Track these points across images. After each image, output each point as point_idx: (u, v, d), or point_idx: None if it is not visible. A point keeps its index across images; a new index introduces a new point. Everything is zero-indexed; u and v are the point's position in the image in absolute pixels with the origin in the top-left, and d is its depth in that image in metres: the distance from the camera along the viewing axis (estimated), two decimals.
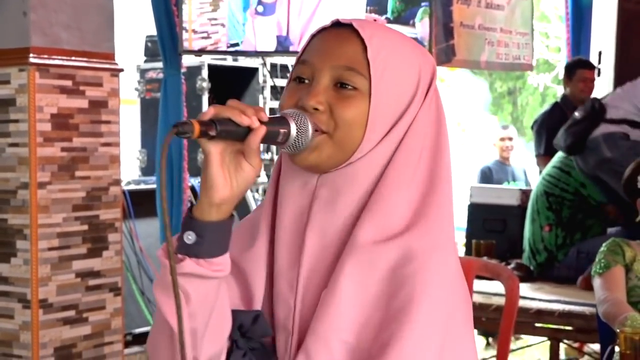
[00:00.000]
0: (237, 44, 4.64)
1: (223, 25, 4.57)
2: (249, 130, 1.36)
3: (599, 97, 5.14)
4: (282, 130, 1.41)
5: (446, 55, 5.90)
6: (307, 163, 1.47)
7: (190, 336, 1.43)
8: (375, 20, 1.46)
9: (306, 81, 1.50)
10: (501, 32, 6.41)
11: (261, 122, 1.37)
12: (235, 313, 1.50)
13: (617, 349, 2.93)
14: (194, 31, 4.51)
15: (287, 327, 1.50)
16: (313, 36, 1.54)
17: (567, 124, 5.02)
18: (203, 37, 4.55)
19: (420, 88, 1.51)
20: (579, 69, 6.43)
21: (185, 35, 4.50)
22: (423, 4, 5.21)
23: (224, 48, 4.60)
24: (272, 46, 4.72)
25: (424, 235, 1.46)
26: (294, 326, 1.49)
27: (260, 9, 4.65)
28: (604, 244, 3.58)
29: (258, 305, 1.54)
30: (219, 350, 1.49)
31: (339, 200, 1.48)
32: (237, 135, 1.36)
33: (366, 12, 4.99)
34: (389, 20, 5.07)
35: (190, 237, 1.39)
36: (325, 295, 1.44)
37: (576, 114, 5.02)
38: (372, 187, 1.48)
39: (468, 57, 6.18)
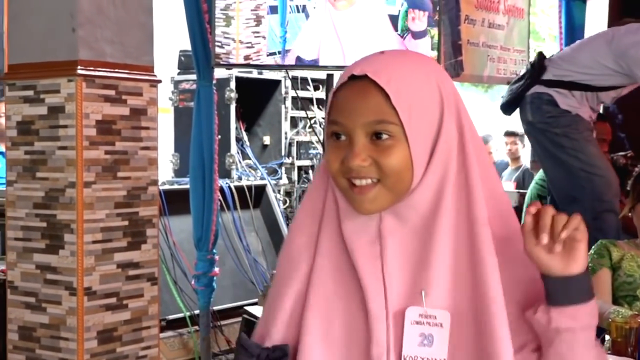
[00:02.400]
0: (274, 53, 4.71)
1: (264, 37, 4.65)
2: None
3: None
4: None
5: (455, 70, 5.90)
6: (368, 212, 1.46)
7: None
8: (382, 52, 1.42)
9: (342, 137, 1.47)
10: (501, 49, 6.43)
11: None
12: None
13: (607, 337, 2.93)
14: (241, 42, 4.60)
15: (381, 342, 1.48)
16: (334, 93, 1.49)
17: (513, 80, 4.64)
18: (247, 47, 4.64)
19: (445, 100, 1.48)
20: None
21: (233, 44, 4.58)
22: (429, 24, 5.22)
23: (264, 56, 4.68)
24: (314, 53, 4.79)
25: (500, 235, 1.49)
26: (389, 341, 1.47)
27: (298, 37, 4.75)
28: (592, 247, 3.57)
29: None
30: None
31: (406, 223, 1.47)
32: None
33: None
34: (402, 37, 5.08)
35: None
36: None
37: (524, 69, 4.59)
38: (437, 207, 1.47)
39: (473, 72, 6.20)
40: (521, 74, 4.58)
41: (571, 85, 4.35)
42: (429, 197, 1.46)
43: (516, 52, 6.70)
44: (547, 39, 13.53)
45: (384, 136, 1.43)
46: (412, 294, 1.46)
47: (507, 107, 4.59)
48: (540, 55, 4.53)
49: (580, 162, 4.31)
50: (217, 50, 4.56)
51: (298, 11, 4.75)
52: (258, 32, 4.70)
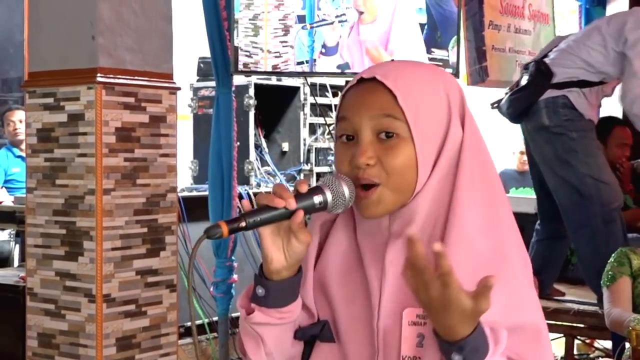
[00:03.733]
0: (302, 62, 4.77)
1: (292, 47, 4.69)
2: (288, 212, 1.40)
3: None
4: (317, 200, 1.42)
5: (480, 76, 5.90)
6: (376, 216, 1.48)
7: None
8: (392, 60, 1.46)
9: (351, 137, 1.49)
10: (529, 54, 6.40)
11: (297, 195, 1.40)
12: (304, 329, 1.55)
13: (627, 345, 2.92)
14: (269, 51, 4.64)
15: (373, 345, 1.49)
16: (343, 95, 1.53)
17: (512, 90, 4.55)
18: (276, 57, 4.68)
19: (453, 108, 1.49)
20: None
21: (261, 54, 4.62)
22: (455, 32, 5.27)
23: (293, 66, 4.73)
24: (332, 69, 4.87)
25: (500, 243, 1.47)
26: (379, 346, 1.48)
27: (323, 50, 4.85)
28: (612, 255, 3.56)
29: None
30: None
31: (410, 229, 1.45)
32: (279, 217, 1.40)
33: None
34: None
35: (260, 291, 1.46)
36: None
37: (523, 78, 4.52)
38: (439, 211, 1.47)
39: (500, 78, 6.17)
40: (523, 83, 4.48)
41: (581, 84, 4.33)
42: (434, 197, 1.47)
43: None
44: None
45: (391, 134, 1.45)
46: (409, 294, 1.43)
47: (517, 116, 4.52)
48: (542, 62, 4.47)
49: (589, 169, 4.29)
50: (246, 59, 4.60)
51: (323, 45, 4.83)
52: (286, 42, 4.73)
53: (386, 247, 1.49)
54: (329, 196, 1.42)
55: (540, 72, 4.39)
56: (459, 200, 1.47)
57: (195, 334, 1.45)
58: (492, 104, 4.71)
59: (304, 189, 1.42)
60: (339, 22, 4.83)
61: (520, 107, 4.45)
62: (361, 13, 4.88)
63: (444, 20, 5.20)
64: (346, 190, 1.43)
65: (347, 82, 1.55)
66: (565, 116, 4.31)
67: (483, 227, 1.47)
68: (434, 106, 1.48)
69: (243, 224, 1.37)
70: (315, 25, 4.80)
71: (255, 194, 5.62)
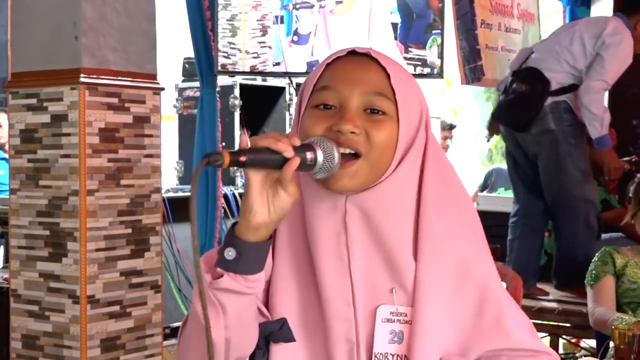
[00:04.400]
0: (279, 63, 4.76)
1: (270, 47, 4.69)
2: (283, 159, 1.33)
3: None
4: (309, 157, 1.37)
5: (475, 75, 5.90)
6: (344, 188, 1.44)
7: (224, 345, 1.42)
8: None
9: (330, 107, 1.47)
10: None
11: (294, 149, 1.35)
12: (263, 324, 1.50)
13: (611, 344, 2.92)
14: (247, 52, 4.63)
15: (350, 339, 1.48)
16: (328, 64, 1.50)
17: (508, 98, 4.65)
18: (254, 57, 4.67)
19: (423, 116, 1.52)
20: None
21: (239, 55, 4.61)
22: (434, 32, 5.24)
23: (270, 66, 4.73)
24: (302, 68, 4.81)
25: (471, 245, 1.51)
26: (358, 338, 1.48)
27: (295, 38, 4.80)
28: (596, 254, 3.57)
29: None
30: (245, 356, 1.49)
31: (373, 218, 1.46)
32: (273, 163, 1.34)
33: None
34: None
35: (230, 254, 1.36)
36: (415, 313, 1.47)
37: (519, 86, 4.60)
38: (406, 207, 1.48)
39: (495, 77, 6.18)
40: (520, 91, 4.58)
41: (571, 88, 4.50)
42: (397, 193, 1.47)
43: None
44: None
45: (378, 111, 1.45)
46: (381, 290, 1.48)
47: (523, 126, 4.61)
48: (535, 69, 4.56)
49: (578, 172, 4.51)
50: (224, 60, 4.59)
51: (296, 32, 4.82)
52: (264, 42, 4.72)
53: (346, 242, 1.47)
54: (319, 155, 1.38)
55: (537, 80, 4.49)
56: (427, 202, 1.48)
57: (211, 337, 1.36)
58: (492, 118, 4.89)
59: (297, 142, 1.36)
60: (320, 7, 4.82)
61: (526, 117, 4.54)
62: (339, 2, 4.86)
63: (421, 16, 5.19)
64: (336, 154, 1.39)
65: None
66: (568, 121, 4.49)
67: (452, 232, 1.49)
68: (414, 100, 1.50)
69: (243, 158, 1.30)
70: (298, 6, 4.78)
71: (240, 195, 5.61)
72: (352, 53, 1.50)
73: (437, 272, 1.47)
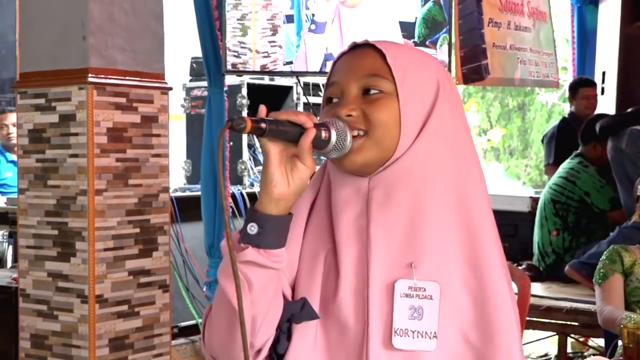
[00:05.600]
0: (290, 62, 4.76)
1: (280, 46, 4.69)
2: (300, 132, 1.38)
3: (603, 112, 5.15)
4: (324, 134, 1.42)
5: (479, 74, 5.89)
6: (355, 165, 1.47)
7: (250, 323, 1.43)
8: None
9: (336, 100, 1.52)
10: (531, 51, 6.39)
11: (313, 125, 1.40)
12: (285, 306, 1.51)
13: (619, 343, 2.92)
14: (257, 51, 4.63)
15: (363, 318, 1.48)
16: (335, 62, 1.56)
17: (617, 113, 5.13)
18: (264, 57, 4.67)
19: (441, 89, 1.52)
20: (581, 87, 6.41)
21: (249, 54, 4.61)
22: (444, 30, 5.27)
23: (281, 66, 4.73)
24: (319, 63, 4.82)
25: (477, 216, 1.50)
26: (369, 317, 1.47)
27: (312, 27, 4.79)
28: (604, 252, 3.57)
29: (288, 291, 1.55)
30: (270, 336, 1.50)
31: (394, 196, 1.48)
32: (291, 135, 1.39)
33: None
34: (415, 44, 5.14)
35: (252, 229, 1.40)
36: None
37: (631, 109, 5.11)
38: (427, 181, 1.48)
39: (503, 75, 6.16)
40: (630, 110, 5.11)
41: None
42: (417, 167, 1.48)
43: (545, 55, 6.66)
44: (560, 42, 13.50)
45: (376, 91, 1.47)
46: (400, 267, 1.48)
47: (604, 131, 4.98)
48: None
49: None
50: (234, 60, 4.59)
51: (313, 20, 4.82)
52: (274, 42, 4.72)
53: (367, 221, 1.49)
54: (333, 135, 1.43)
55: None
56: (433, 171, 1.49)
57: (245, 336, 1.36)
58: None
59: (314, 119, 1.41)
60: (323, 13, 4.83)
61: (611, 124, 5.00)
62: None
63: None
64: (349, 134, 1.44)
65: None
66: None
67: (451, 208, 1.49)
68: (422, 78, 1.51)
69: (264, 125, 1.35)
70: None
71: (248, 194, 5.61)
72: (355, 47, 1.54)
73: (452, 246, 1.47)
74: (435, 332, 1.45)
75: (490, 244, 1.50)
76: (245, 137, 5.93)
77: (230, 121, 1.33)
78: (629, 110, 5.12)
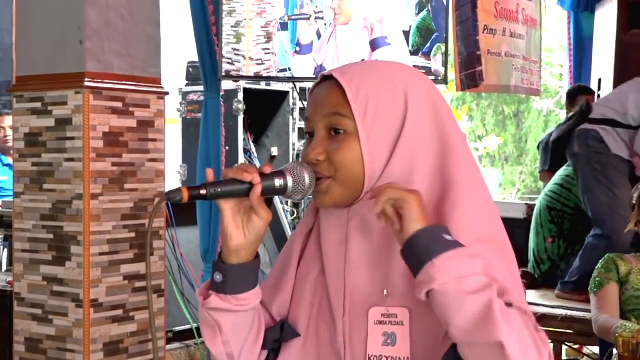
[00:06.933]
0: (285, 70, 4.77)
1: (274, 54, 4.69)
2: (249, 187, 1.44)
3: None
4: (277, 183, 1.47)
5: (473, 81, 5.90)
6: (325, 205, 1.53)
7: (227, 359, 1.56)
8: (362, 60, 1.52)
9: (312, 134, 1.54)
10: (523, 59, 6.41)
11: (262, 176, 1.45)
12: (266, 333, 1.59)
13: (614, 351, 2.92)
14: (251, 58, 4.64)
15: (338, 341, 1.53)
16: (310, 93, 1.59)
17: (561, 123, 5.04)
18: (258, 64, 4.68)
19: (411, 105, 1.51)
20: (580, 95, 6.40)
21: (243, 61, 4.62)
22: (435, 38, 5.29)
23: (274, 73, 4.76)
24: (309, 74, 4.87)
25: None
26: (345, 341, 1.52)
27: (297, 49, 4.86)
28: (600, 261, 3.57)
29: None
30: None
31: (370, 224, 1.50)
32: (240, 192, 1.45)
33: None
34: (410, 53, 5.15)
35: (218, 277, 1.50)
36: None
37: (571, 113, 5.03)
38: None
39: (498, 82, 6.17)
40: (569, 115, 5.02)
41: (612, 123, 4.69)
42: None
43: (532, 62, 6.68)
44: (557, 49, 13.52)
45: (340, 131, 1.50)
46: (374, 293, 1.51)
47: (557, 143, 4.97)
48: (588, 102, 5.02)
49: (608, 198, 4.62)
50: (227, 67, 4.59)
51: (298, 43, 4.85)
52: (268, 49, 4.72)
53: (345, 248, 1.52)
54: (289, 181, 1.48)
55: (581, 108, 4.86)
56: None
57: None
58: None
59: (267, 170, 1.47)
60: (316, 18, 4.84)
61: (561, 134, 4.92)
62: (336, 14, 4.89)
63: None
64: (307, 178, 1.49)
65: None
66: (594, 148, 4.69)
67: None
68: (386, 103, 1.50)
69: (203, 192, 1.42)
70: (293, 17, 4.80)
71: None
72: (324, 79, 1.56)
73: None
74: (408, 357, 1.48)
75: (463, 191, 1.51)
76: (241, 142, 5.94)
77: (167, 194, 1.41)
78: (570, 114, 5.07)
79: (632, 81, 4.94)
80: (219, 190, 1.43)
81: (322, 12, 4.86)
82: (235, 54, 4.62)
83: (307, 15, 4.85)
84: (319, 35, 4.88)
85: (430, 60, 5.28)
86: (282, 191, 1.48)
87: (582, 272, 4.46)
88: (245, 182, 1.44)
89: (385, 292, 1.49)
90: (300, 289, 1.60)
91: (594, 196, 4.67)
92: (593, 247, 4.54)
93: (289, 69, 4.81)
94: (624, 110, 4.69)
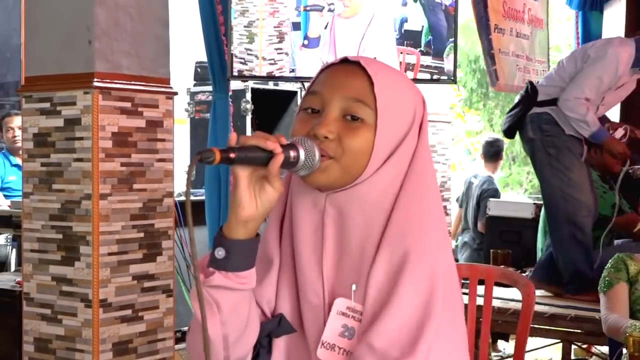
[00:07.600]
0: (294, 70, 4.79)
1: (287, 54, 4.70)
2: (269, 156, 1.40)
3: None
4: (292, 155, 1.44)
5: (491, 79, 5.91)
6: (317, 183, 1.50)
7: (221, 341, 1.49)
8: (375, 58, 1.55)
9: (317, 111, 1.52)
10: (526, 59, 6.41)
11: (281, 147, 1.42)
12: (263, 325, 1.56)
13: (624, 351, 2.91)
14: (264, 58, 4.65)
15: (320, 330, 1.53)
16: (322, 70, 1.57)
17: (510, 109, 4.91)
18: (270, 64, 4.68)
19: (415, 122, 1.54)
20: None
21: (256, 61, 4.63)
22: (449, 40, 5.28)
23: (287, 73, 4.75)
24: (313, 72, 4.85)
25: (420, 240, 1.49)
26: (304, 329, 1.54)
27: (305, 42, 4.83)
28: (610, 260, 3.55)
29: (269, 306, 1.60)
30: (248, 352, 1.56)
31: (348, 218, 1.51)
32: (260, 160, 1.41)
33: (404, 45, 5.07)
34: (422, 53, 5.15)
35: (220, 253, 1.44)
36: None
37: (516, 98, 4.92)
38: (380, 208, 1.50)
39: (508, 82, 6.18)
40: (515, 102, 4.82)
41: (557, 101, 4.59)
42: (373, 195, 1.50)
43: (537, 62, 6.67)
44: (564, 49, 13.50)
45: (357, 118, 1.49)
46: (344, 285, 1.52)
47: (510, 131, 4.82)
48: (531, 83, 4.80)
49: (560, 182, 4.58)
50: (240, 66, 4.59)
51: (306, 36, 4.84)
52: (281, 49, 4.72)
53: (322, 232, 1.52)
54: (302, 154, 1.45)
55: (527, 92, 4.71)
56: (402, 207, 1.50)
57: (207, 335, 1.42)
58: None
59: (283, 141, 1.43)
60: (328, 10, 4.84)
61: (512, 121, 4.77)
62: (346, 6, 4.89)
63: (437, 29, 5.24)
64: (317, 153, 1.46)
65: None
66: (547, 132, 4.60)
67: (410, 234, 1.49)
68: (401, 108, 1.52)
69: (232, 155, 1.38)
70: (308, 8, 4.80)
71: None
72: (346, 61, 1.55)
73: (385, 273, 1.47)
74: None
75: (417, 274, 1.47)
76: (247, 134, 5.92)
77: (199, 153, 1.37)
78: (517, 100, 4.89)
79: (569, 54, 4.91)
80: (245, 155, 1.39)
81: (333, 3, 4.86)
82: (248, 54, 4.63)
83: (321, 6, 4.85)
84: (326, 29, 4.89)
85: (443, 60, 5.28)
86: (294, 164, 1.45)
87: (548, 265, 4.64)
88: (266, 150, 1.40)
89: (354, 286, 1.50)
90: (282, 277, 1.59)
91: (548, 183, 4.64)
92: (562, 240, 4.58)
93: (293, 70, 4.81)
94: (564, 84, 4.61)
